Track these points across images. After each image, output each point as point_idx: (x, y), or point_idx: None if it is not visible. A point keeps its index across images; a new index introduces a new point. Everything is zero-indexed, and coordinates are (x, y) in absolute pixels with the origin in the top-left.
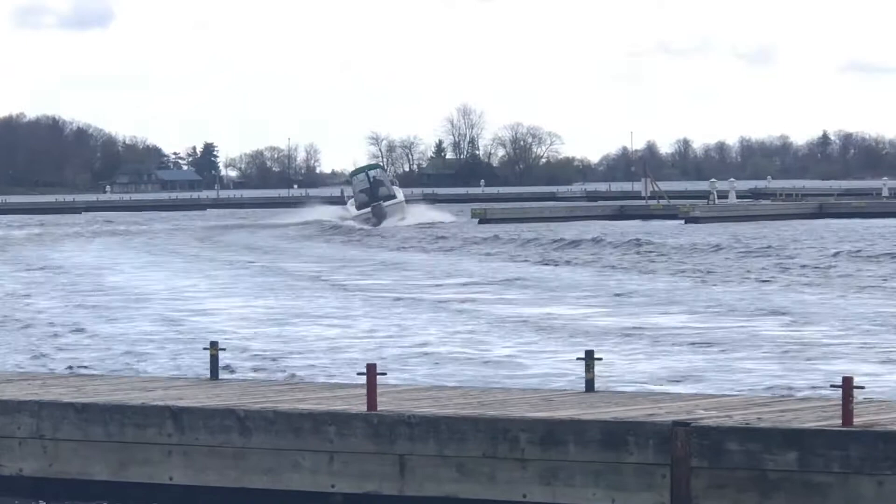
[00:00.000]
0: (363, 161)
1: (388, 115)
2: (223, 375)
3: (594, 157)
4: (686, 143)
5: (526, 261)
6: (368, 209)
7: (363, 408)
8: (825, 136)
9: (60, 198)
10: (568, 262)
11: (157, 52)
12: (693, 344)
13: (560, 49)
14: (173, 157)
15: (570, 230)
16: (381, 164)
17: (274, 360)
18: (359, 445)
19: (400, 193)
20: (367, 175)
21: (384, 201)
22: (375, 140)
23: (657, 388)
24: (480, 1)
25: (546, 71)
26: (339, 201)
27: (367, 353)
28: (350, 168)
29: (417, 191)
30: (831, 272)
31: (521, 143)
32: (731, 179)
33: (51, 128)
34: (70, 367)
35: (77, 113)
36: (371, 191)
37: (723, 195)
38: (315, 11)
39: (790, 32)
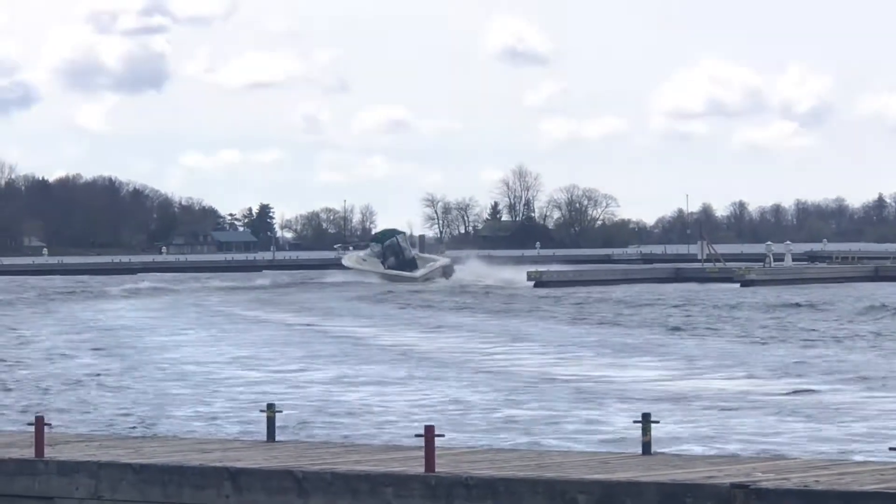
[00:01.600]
0: (419, 224)
1: (444, 177)
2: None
3: (649, 220)
4: (741, 205)
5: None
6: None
7: (421, 469)
8: (881, 199)
9: (116, 259)
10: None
11: (211, 114)
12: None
13: (615, 111)
14: (229, 218)
15: (627, 292)
16: (403, 230)
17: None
18: None
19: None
20: (395, 239)
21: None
22: (431, 201)
23: (715, 451)
24: (537, 63)
25: (602, 133)
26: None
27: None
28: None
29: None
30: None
31: (577, 205)
32: (787, 242)
33: (107, 189)
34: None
35: (133, 174)
36: (396, 253)
37: (779, 258)
38: (371, 73)
39: (845, 94)
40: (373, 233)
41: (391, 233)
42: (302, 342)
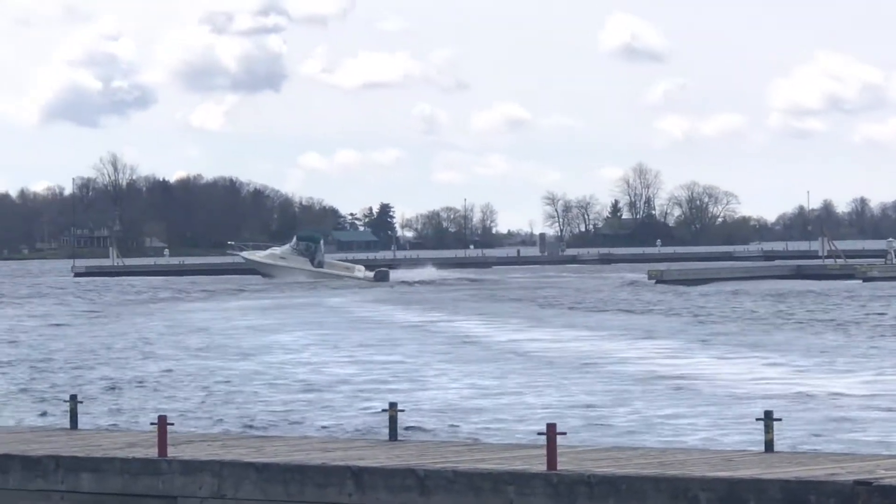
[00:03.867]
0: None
1: (563, 175)
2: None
3: (770, 217)
4: (863, 201)
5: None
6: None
7: (543, 467)
8: None
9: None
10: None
11: (328, 114)
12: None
13: (733, 107)
14: (349, 217)
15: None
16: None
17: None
18: None
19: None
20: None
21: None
22: (551, 200)
23: (838, 448)
24: (654, 61)
25: (720, 130)
26: (514, 261)
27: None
28: (525, 229)
29: (594, 250)
30: None
31: (698, 202)
32: None
33: (228, 189)
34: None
35: (252, 174)
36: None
37: None
38: (488, 72)
39: None
40: (297, 233)
41: (314, 235)
42: (413, 339)
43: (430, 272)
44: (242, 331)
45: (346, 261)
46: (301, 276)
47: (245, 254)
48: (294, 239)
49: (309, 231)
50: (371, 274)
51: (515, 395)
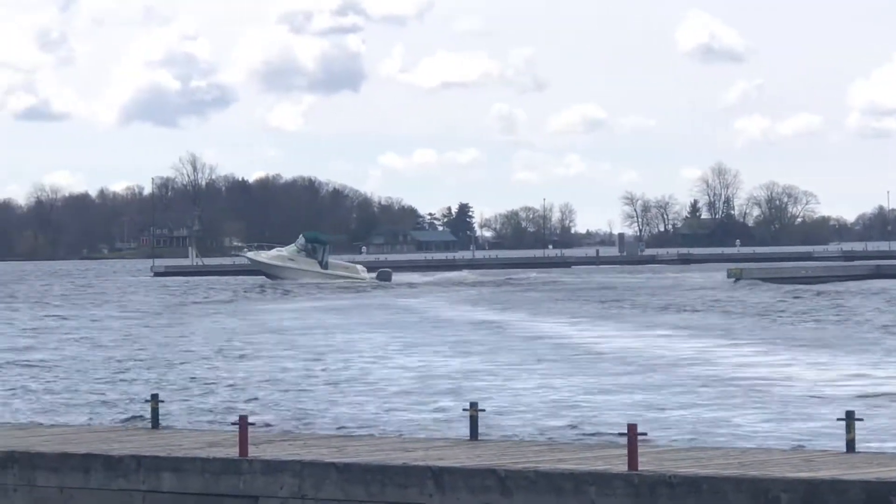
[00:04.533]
0: (618, 222)
1: (641, 175)
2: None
3: (850, 217)
4: None
5: None
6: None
7: (624, 468)
8: None
9: None
10: None
11: (406, 114)
12: None
13: (811, 107)
14: (428, 217)
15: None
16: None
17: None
18: None
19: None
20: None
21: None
22: (630, 200)
23: None
24: (731, 61)
25: (798, 130)
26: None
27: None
28: (604, 229)
29: (673, 250)
30: None
31: (777, 202)
32: None
33: (307, 189)
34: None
35: (331, 174)
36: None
37: None
38: (565, 72)
39: None
40: (303, 233)
41: (319, 237)
42: (488, 339)
43: (462, 275)
44: (321, 330)
45: (426, 261)
46: (308, 278)
47: (251, 254)
48: (302, 239)
49: (314, 232)
50: (374, 275)
51: (594, 395)
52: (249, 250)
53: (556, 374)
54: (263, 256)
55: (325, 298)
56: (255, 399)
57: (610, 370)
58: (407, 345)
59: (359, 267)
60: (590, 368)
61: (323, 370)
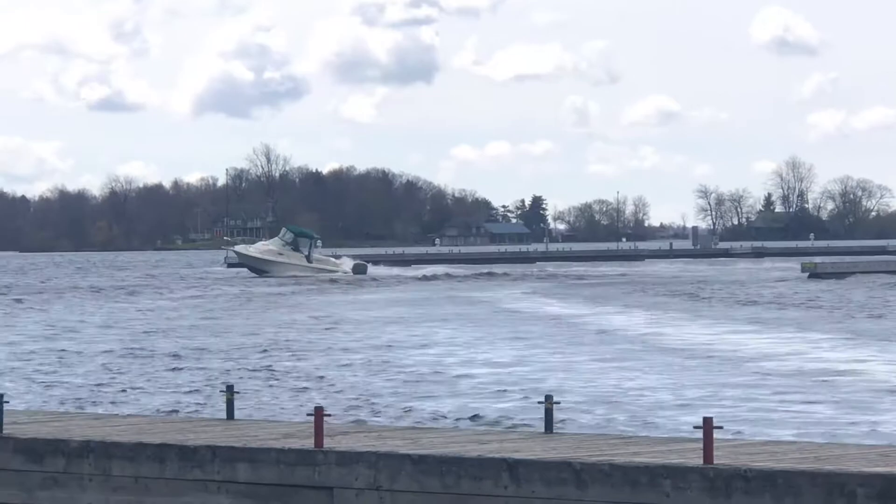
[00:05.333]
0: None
1: (715, 168)
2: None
3: None
4: None
5: None
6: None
7: (699, 461)
8: None
9: (390, 250)
10: None
11: (480, 106)
12: None
13: (886, 101)
14: (502, 210)
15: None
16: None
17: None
18: (695, 499)
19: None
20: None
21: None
22: (704, 193)
23: None
24: (806, 54)
25: (872, 123)
26: (666, 254)
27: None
28: (678, 222)
29: (747, 244)
30: None
31: (851, 196)
32: None
33: (380, 181)
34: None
35: (404, 166)
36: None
37: None
38: (639, 65)
39: None
40: (287, 226)
41: (304, 231)
42: (561, 333)
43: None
44: (391, 323)
45: (499, 253)
46: (296, 271)
47: (239, 248)
48: (285, 232)
49: (297, 226)
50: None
51: (668, 390)
52: (236, 244)
53: (628, 368)
54: (251, 251)
55: (393, 290)
56: (330, 390)
57: (680, 363)
58: (477, 338)
59: (343, 259)
60: (659, 361)
61: (393, 362)
